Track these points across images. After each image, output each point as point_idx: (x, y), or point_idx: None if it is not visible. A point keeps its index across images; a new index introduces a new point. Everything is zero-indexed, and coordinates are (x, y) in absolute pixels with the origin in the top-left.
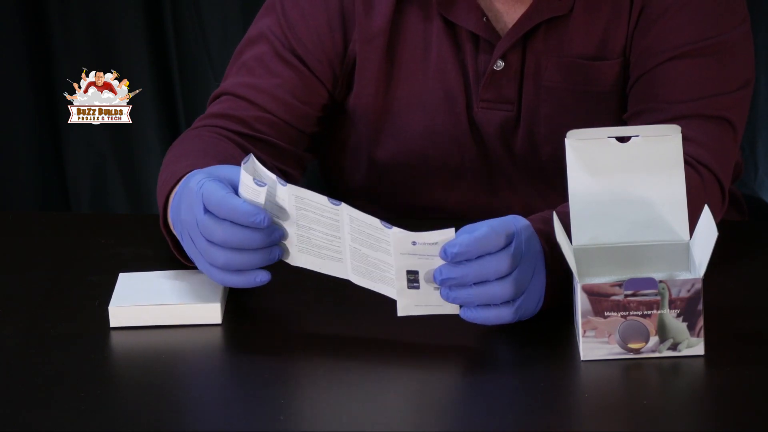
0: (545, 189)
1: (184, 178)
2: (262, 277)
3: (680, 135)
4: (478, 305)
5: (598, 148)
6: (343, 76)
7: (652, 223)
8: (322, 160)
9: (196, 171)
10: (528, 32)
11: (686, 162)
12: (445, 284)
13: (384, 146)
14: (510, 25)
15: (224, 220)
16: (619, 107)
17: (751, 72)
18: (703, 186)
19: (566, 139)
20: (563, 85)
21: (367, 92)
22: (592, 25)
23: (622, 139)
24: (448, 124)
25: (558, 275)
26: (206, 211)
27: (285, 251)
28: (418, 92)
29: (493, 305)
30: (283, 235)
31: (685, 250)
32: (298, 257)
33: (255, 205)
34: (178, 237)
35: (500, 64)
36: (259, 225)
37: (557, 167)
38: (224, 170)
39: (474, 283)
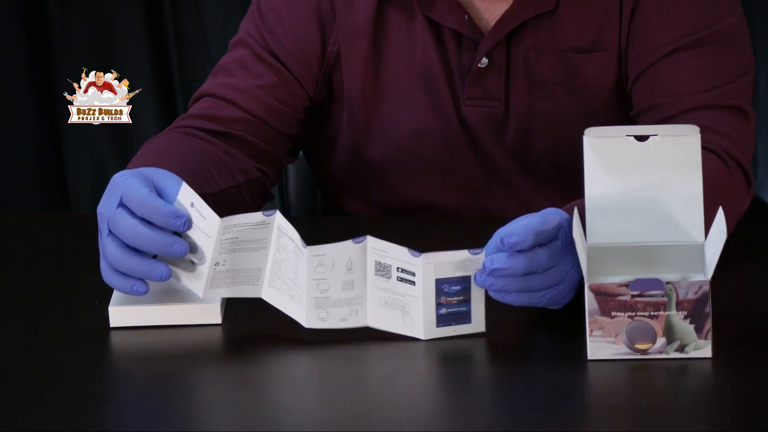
0: (539, 184)
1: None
2: (139, 287)
3: (699, 135)
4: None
5: (616, 146)
6: (323, 77)
7: (668, 223)
8: (312, 163)
9: (125, 170)
10: (512, 29)
11: (710, 150)
12: (496, 274)
13: (374, 147)
14: (492, 22)
15: (137, 217)
16: (615, 101)
17: (750, 58)
18: (729, 174)
19: (584, 137)
20: (555, 79)
21: (354, 94)
22: (580, 18)
23: (641, 138)
24: (437, 122)
25: None
26: (122, 205)
27: (194, 279)
28: (405, 92)
29: (526, 292)
30: (185, 250)
31: (700, 251)
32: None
33: (177, 208)
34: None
35: (485, 61)
36: (177, 228)
37: (550, 162)
38: (154, 171)
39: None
